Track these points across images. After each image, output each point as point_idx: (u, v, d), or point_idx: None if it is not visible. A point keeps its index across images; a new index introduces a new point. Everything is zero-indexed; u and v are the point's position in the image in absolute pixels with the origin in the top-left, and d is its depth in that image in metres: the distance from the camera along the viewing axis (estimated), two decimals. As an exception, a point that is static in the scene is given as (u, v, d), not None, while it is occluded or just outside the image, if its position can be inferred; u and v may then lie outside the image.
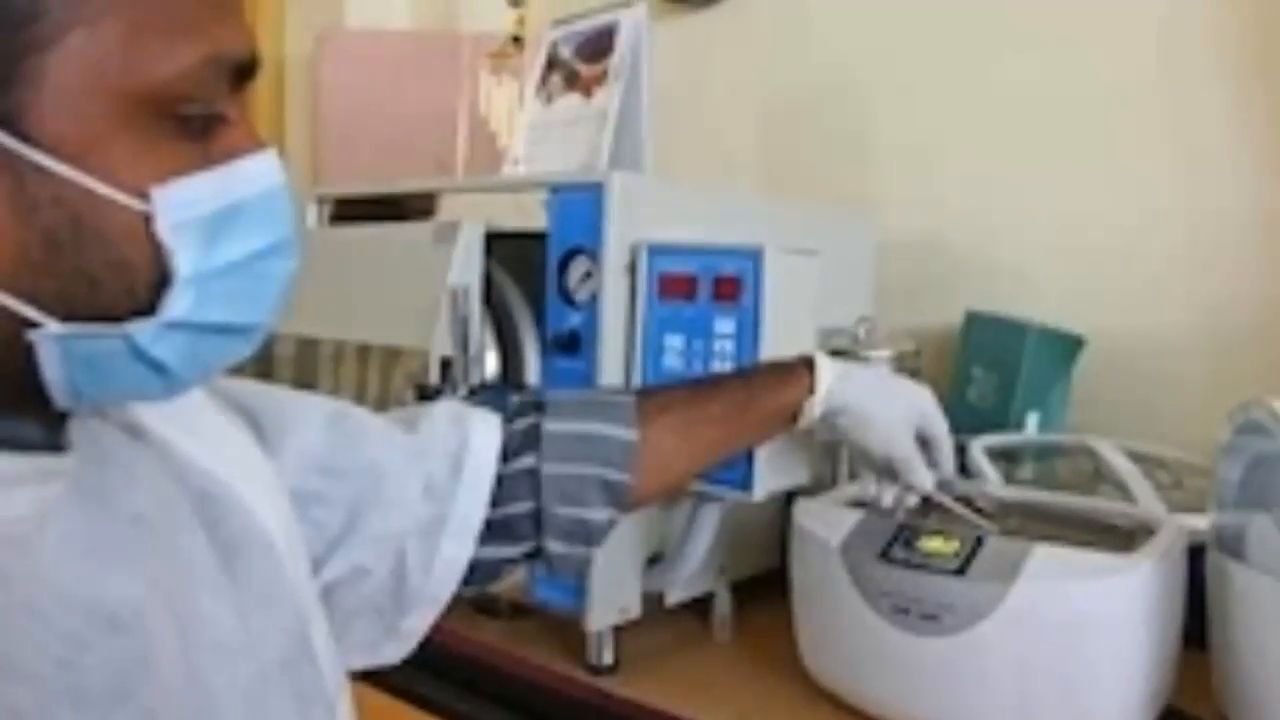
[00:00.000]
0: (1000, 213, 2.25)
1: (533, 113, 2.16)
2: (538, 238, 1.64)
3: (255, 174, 0.76)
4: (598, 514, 1.22)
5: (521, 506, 1.19)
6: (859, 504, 1.52)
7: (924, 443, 1.46)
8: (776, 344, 1.51)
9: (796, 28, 2.59)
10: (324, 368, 1.79)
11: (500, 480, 1.17)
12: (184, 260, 0.72)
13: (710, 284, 1.54)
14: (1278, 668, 1.20)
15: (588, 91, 2.05)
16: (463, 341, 1.60)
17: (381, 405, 1.42)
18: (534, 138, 2.13)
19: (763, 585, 1.77)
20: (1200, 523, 1.42)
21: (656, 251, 1.58)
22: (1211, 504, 1.41)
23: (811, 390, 1.39)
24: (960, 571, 1.33)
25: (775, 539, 1.75)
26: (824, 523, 1.49)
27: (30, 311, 0.68)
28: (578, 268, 1.61)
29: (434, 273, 1.63)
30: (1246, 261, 1.96)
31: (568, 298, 1.62)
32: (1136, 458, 1.77)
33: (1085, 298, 2.11)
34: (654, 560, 1.66)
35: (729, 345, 1.53)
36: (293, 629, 0.92)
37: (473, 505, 1.15)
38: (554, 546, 1.21)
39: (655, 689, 1.54)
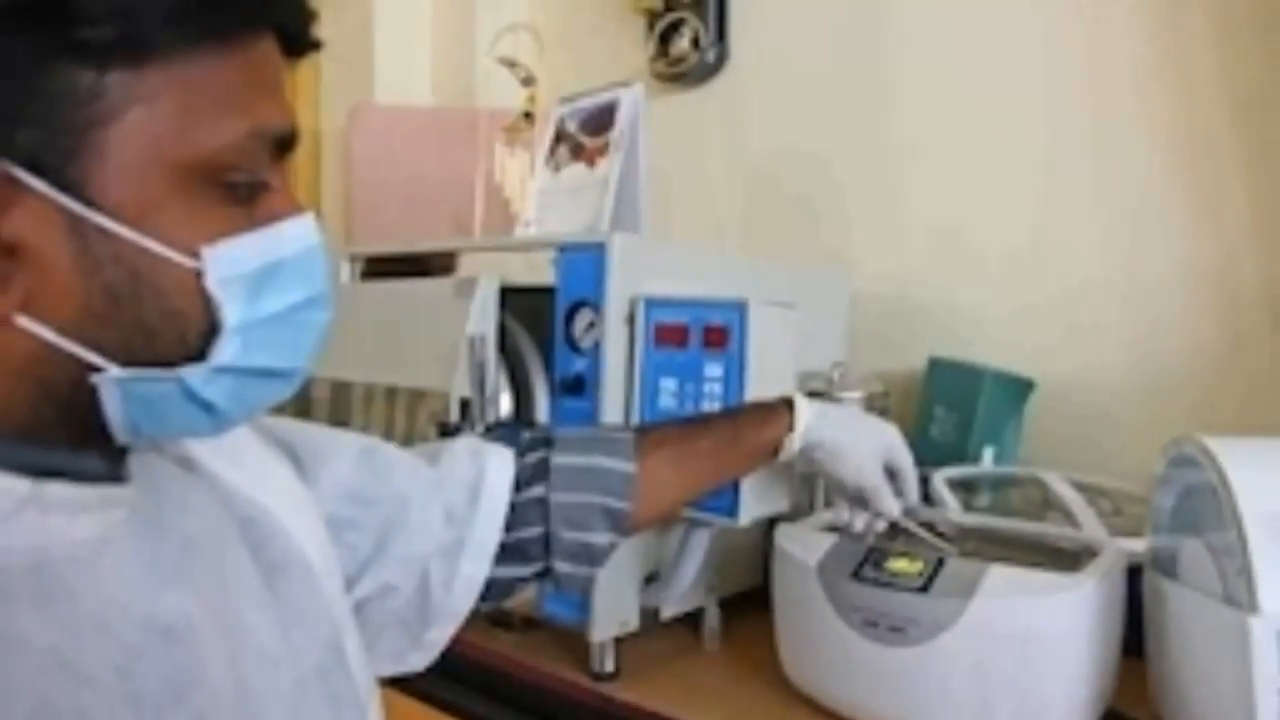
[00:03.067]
0: (959, 269, 2.25)
1: (542, 180, 2.17)
2: (547, 291, 1.65)
3: (294, 235, 0.77)
4: (600, 538, 1.22)
5: (532, 531, 1.19)
6: (833, 529, 1.52)
7: (891, 474, 1.46)
8: (760, 386, 1.51)
9: (776, 105, 2.60)
10: (356, 407, 1.79)
11: (513, 508, 1.17)
12: (231, 311, 0.72)
13: (700, 333, 1.54)
14: (1206, 674, 1.20)
15: (591, 161, 2.05)
16: (480, 384, 1.59)
17: (407, 441, 1.42)
18: (543, 202, 2.14)
19: (748, 601, 1.77)
20: (1138, 546, 1.42)
21: (653, 304, 1.58)
22: (1148, 529, 1.41)
23: (791, 427, 1.39)
24: (924, 589, 1.33)
25: (759, 560, 1.75)
26: (802, 545, 1.49)
27: (94, 357, 0.69)
28: (582, 318, 1.61)
29: (454, 323, 1.63)
30: (1176, 313, 1.96)
31: (574, 345, 1.62)
32: (1081, 487, 1.77)
33: (1035, 345, 2.11)
34: (650, 579, 1.65)
35: (717, 387, 1.53)
36: (328, 640, 0.92)
37: (489, 530, 1.15)
38: (561, 567, 1.21)
39: (652, 693, 1.53)
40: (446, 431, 1.59)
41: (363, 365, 1.79)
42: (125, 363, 0.70)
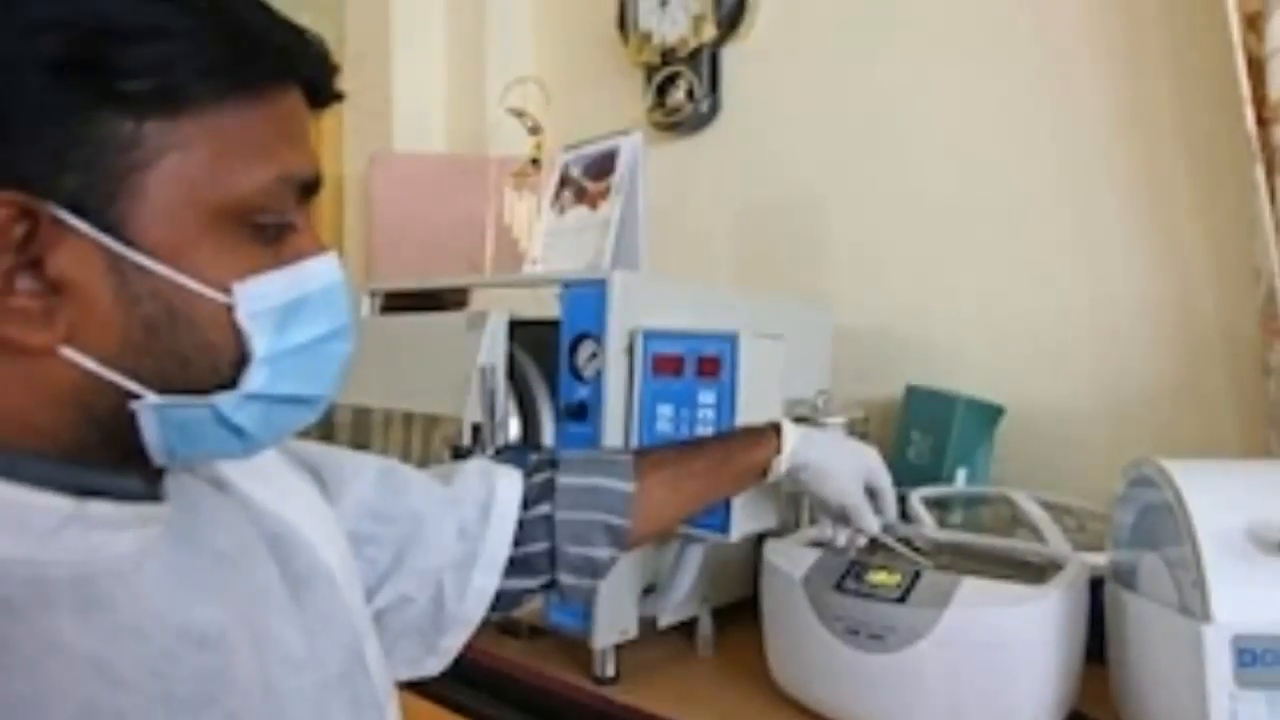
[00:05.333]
0: (934, 303, 2.25)
1: (548, 221, 2.17)
2: (552, 324, 1.65)
3: (318, 272, 0.78)
4: (602, 552, 1.22)
5: (539, 546, 1.19)
6: (818, 544, 1.52)
7: (871, 493, 1.46)
8: (749, 412, 1.51)
9: (765, 151, 2.61)
10: (376, 432, 1.79)
11: (521, 524, 1.18)
12: (260, 343, 0.73)
13: (695, 363, 1.55)
14: (1163, 678, 1.20)
15: (593, 204, 2.06)
16: (490, 410, 1.60)
17: (423, 463, 1.42)
18: (549, 242, 2.14)
19: (739, 610, 1.76)
20: (1100, 560, 1.41)
21: (650, 336, 1.59)
22: (1109, 544, 1.40)
23: (779, 450, 1.39)
24: (902, 600, 1.33)
25: (749, 573, 1.74)
26: (789, 559, 1.49)
27: (133, 385, 0.70)
28: (585, 349, 1.61)
29: (466, 354, 1.64)
30: (1137, 343, 1.96)
31: (577, 374, 1.62)
32: (1047, 506, 1.77)
33: (1005, 374, 2.11)
34: (648, 590, 1.65)
35: (710, 413, 1.53)
36: (350, 647, 0.92)
37: (498, 545, 1.15)
38: (566, 579, 1.21)
39: (650, 696, 1.53)
40: (459, 454, 1.59)
41: (382, 392, 1.79)
42: (162, 390, 0.71)
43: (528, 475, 1.23)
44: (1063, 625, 1.29)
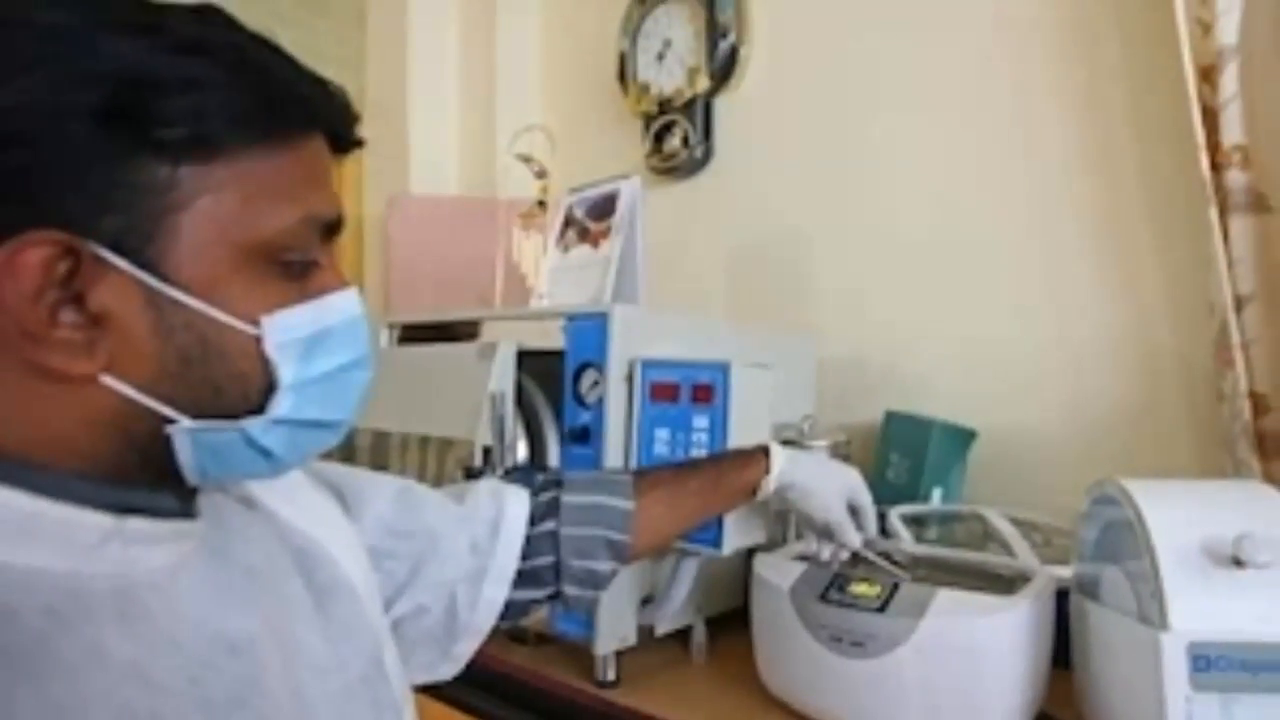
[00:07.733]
0: (912, 335, 2.25)
1: (553, 259, 2.18)
2: (557, 354, 1.65)
3: (340, 306, 0.78)
4: (603, 565, 1.22)
5: (545, 560, 1.19)
6: (804, 558, 1.52)
7: (853, 511, 1.47)
8: (740, 436, 1.51)
9: (755, 193, 2.62)
10: (393, 454, 1.79)
11: (528, 540, 1.18)
12: (286, 372, 0.74)
13: (690, 390, 1.55)
14: (1123, 682, 1.20)
15: (595, 243, 2.06)
16: (500, 434, 1.60)
17: (437, 483, 1.42)
18: (554, 278, 2.15)
19: (730, 620, 1.76)
20: (1065, 572, 1.41)
21: (648, 365, 1.59)
22: (1073, 558, 1.41)
23: (767, 471, 1.39)
24: (881, 609, 1.33)
25: (740, 584, 1.74)
26: (777, 572, 1.49)
27: (168, 411, 0.70)
28: (588, 377, 1.61)
29: (477, 381, 1.64)
30: (1100, 372, 1.97)
31: (580, 400, 1.62)
32: (1016, 522, 1.77)
33: (977, 400, 2.11)
34: (646, 600, 1.65)
35: (704, 437, 1.54)
36: (370, 653, 0.92)
37: (508, 559, 1.15)
38: (570, 590, 1.21)
39: (648, 699, 1.53)
40: (471, 474, 1.59)
41: (399, 417, 1.79)
42: (195, 415, 0.71)
43: (534, 494, 1.23)
44: (1031, 633, 1.29)
